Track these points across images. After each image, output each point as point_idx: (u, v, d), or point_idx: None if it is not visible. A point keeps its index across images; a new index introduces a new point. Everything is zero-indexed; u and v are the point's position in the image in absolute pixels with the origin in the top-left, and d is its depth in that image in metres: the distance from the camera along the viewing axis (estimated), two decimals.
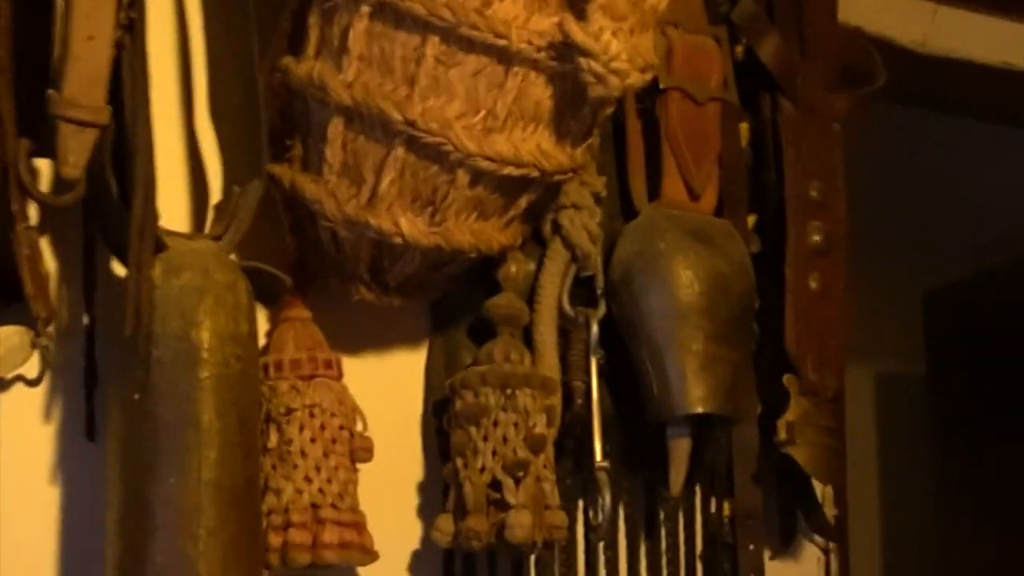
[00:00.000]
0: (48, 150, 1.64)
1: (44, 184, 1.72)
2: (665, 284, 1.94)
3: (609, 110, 1.78)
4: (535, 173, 1.73)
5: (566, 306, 1.95)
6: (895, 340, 4.19)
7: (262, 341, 1.83)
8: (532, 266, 1.96)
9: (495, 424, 1.83)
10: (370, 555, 1.81)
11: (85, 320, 1.75)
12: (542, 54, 1.66)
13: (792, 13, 2.19)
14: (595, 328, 1.95)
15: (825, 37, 2.21)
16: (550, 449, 1.86)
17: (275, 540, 1.75)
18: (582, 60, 1.64)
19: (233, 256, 1.73)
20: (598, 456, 1.92)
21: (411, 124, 1.67)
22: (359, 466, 1.84)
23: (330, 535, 1.76)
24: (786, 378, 2.06)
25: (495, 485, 1.82)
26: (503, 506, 1.81)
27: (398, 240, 1.74)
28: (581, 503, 1.99)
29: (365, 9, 1.66)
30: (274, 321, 1.85)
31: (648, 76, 1.75)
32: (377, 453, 1.86)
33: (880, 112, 2.81)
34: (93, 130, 1.62)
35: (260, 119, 1.74)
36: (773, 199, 2.14)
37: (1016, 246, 3.69)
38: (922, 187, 3.74)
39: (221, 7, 1.80)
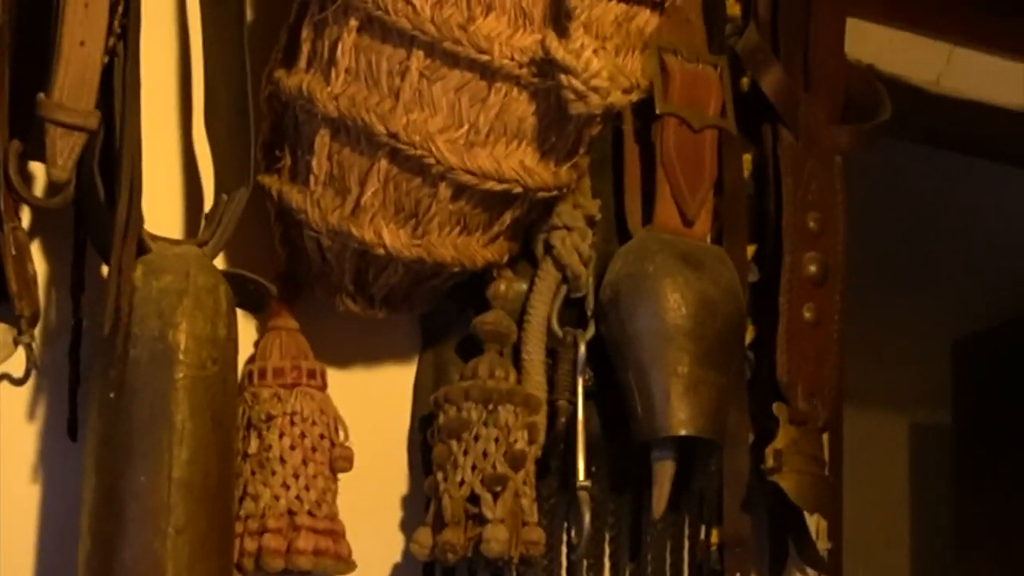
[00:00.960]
0: (41, 153, 1.67)
1: (39, 187, 1.75)
2: (652, 306, 1.94)
3: (595, 130, 1.79)
4: (518, 189, 1.74)
5: (555, 326, 1.96)
6: (927, 389, 4.17)
7: (249, 349, 1.86)
8: (523, 285, 1.97)
9: (476, 439, 1.84)
10: (346, 564, 1.82)
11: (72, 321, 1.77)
12: (524, 70, 1.67)
13: (798, 46, 2.20)
14: (583, 348, 1.95)
15: (831, 71, 2.21)
16: (531, 466, 1.87)
17: (251, 545, 1.77)
18: (562, 77, 1.66)
19: (219, 262, 1.76)
20: (581, 475, 1.93)
21: (394, 136, 1.69)
22: (344, 477, 1.86)
23: (305, 542, 1.77)
24: (775, 406, 2.06)
25: (473, 499, 1.83)
26: (481, 520, 1.82)
27: (380, 251, 1.76)
28: (566, 524, 1.99)
29: (353, 23, 1.69)
30: (262, 330, 1.87)
31: (634, 97, 1.76)
32: (362, 465, 1.88)
33: (906, 152, 2.82)
34: (81, 134, 1.66)
35: (250, 129, 1.76)
36: (772, 229, 2.14)
37: None
38: (949, 233, 3.73)
39: (216, 18, 1.82)
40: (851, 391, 3.13)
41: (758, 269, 2.15)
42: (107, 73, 1.68)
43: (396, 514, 1.96)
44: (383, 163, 1.71)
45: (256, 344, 1.87)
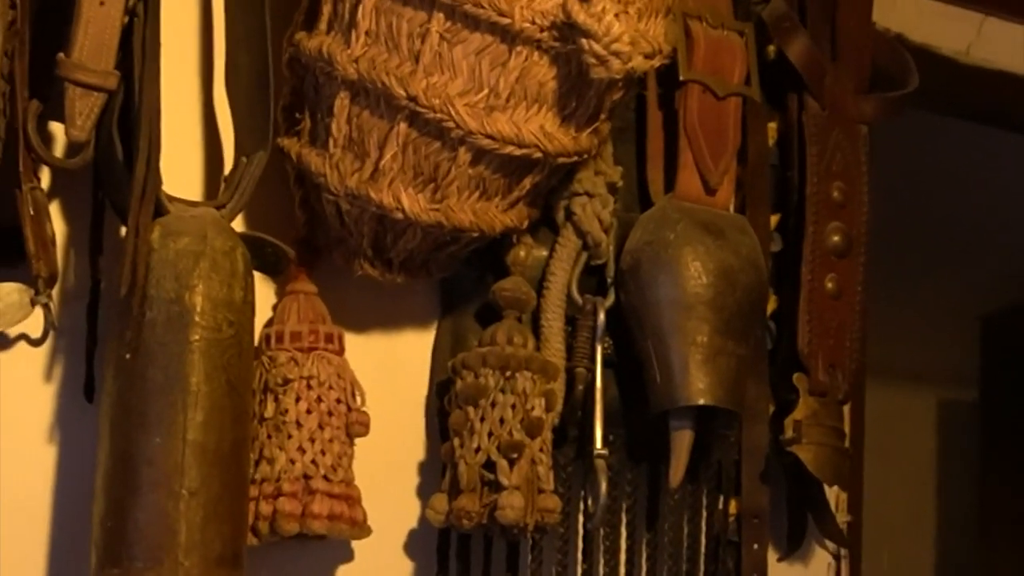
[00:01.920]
0: (60, 114, 1.67)
1: (58, 148, 1.75)
2: (672, 274, 1.93)
3: (616, 95, 1.78)
4: (537, 154, 1.73)
5: (575, 293, 1.95)
6: (954, 365, 4.16)
7: (267, 313, 1.86)
8: (543, 252, 1.96)
9: (493, 405, 1.84)
10: (361, 529, 1.82)
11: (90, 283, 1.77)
12: (545, 34, 1.66)
13: (825, 15, 2.19)
14: (602, 316, 1.95)
15: (858, 40, 2.20)
16: (547, 433, 1.86)
17: (265, 508, 1.77)
18: (583, 41, 1.64)
19: (237, 225, 1.75)
20: (598, 444, 1.92)
21: (413, 100, 1.68)
22: (360, 442, 1.85)
23: (319, 506, 1.77)
24: (796, 377, 2.06)
25: (489, 466, 1.82)
26: (496, 487, 1.82)
27: (399, 216, 1.75)
28: (583, 492, 1.98)
29: None
30: (280, 294, 1.87)
31: (656, 63, 1.75)
32: (380, 431, 1.87)
33: (935, 125, 2.79)
34: (100, 94, 1.66)
35: (269, 92, 1.76)
36: (796, 199, 2.13)
37: None
38: (978, 207, 3.70)
39: None
40: (878, 366, 3.13)
41: (781, 239, 2.14)
42: (127, 33, 1.67)
43: (412, 480, 1.96)
44: (402, 127, 1.70)
45: (274, 308, 1.86)
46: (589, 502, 1.95)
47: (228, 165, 1.85)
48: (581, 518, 1.99)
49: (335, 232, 1.82)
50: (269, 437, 1.79)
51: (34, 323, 1.73)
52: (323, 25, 1.75)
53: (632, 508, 2.03)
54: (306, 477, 1.78)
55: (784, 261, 2.13)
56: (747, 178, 2.10)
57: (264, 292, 1.85)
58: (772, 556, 2.14)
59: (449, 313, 1.98)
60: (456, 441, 1.84)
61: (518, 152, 1.72)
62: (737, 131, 2.04)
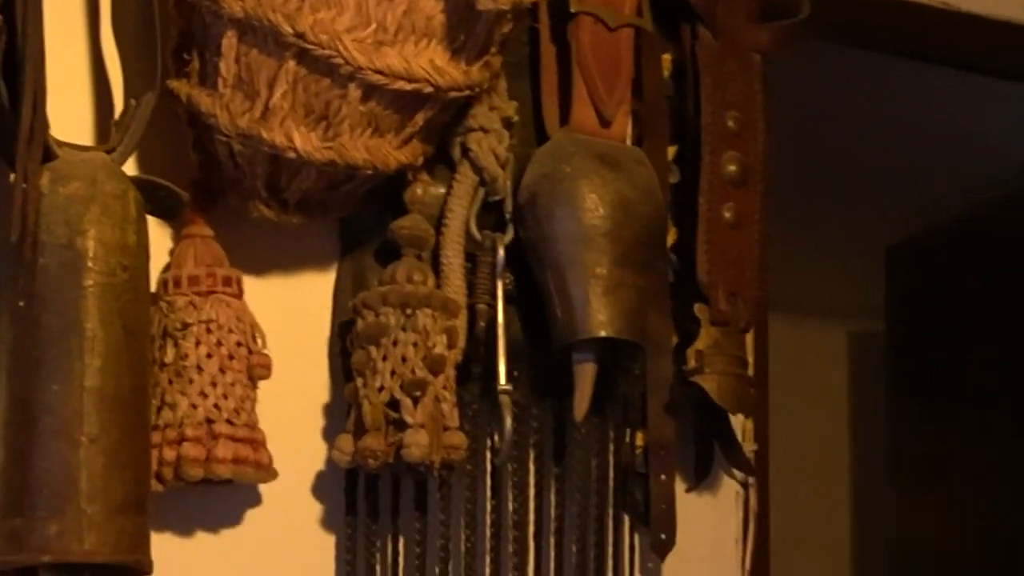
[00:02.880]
0: None
1: None
2: (570, 207, 1.93)
3: (506, 28, 1.77)
4: (428, 89, 1.72)
5: (473, 230, 1.95)
6: (862, 296, 4.19)
7: (164, 258, 1.84)
8: (440, 189, 1.95)
9: (394, 344, 1.83)
10: (267, 472, 1.81)
11: None
12: None
13: None
14: (501, 252, 1.94)
15: None
16: (450, 370, 1.86)
17: (169, 454, 1.76)
18: None
19: (130, 169, 1.73)
20: (502, 379, 1.92)
21: (301, 36, 1.67)
22: (263, 385, 1.85)
23: (223, 450, 1.76)
24: (697, 307, 2.06)
25: (393, 405, 1.82)
26: (401, 426, 1.81)
27: (292, 155, 1.74)
28: (489, 429, 1.98)
29: None
30: (176, 238, 1.85)
31: None
32: (283, 374, 1.87)
33: (839, 56, 2.80)
34: None
35: (156, 32, 1.74)
36: (692, 130, 2.13)
37: (978, 194, 3.68)
38: (882, 137, 3.72)
39: None
40: (786, 300, 3.15)
41: (678, 170, 2.14)
42: None
43: (318, 422, 1.95)
44: (291, 64, 1.69)
45: (171, 253, 1.85)
46: (495, 438, 1.95)
47: (118, 109, 1.83)
48: (488, 455, 1.99)
49: (229, 174, 1.81)
50: (170, 382, 1.78)
51: None
52: None
53: (539, 443, 2.03)
54: (209, 421, 1.77)
55: (682, 192, 2.12)
56: (643, 110, 2.10)
57: (161, 237, 1.83)
58: (680, 487, 2.14)
59: (349, 253, 1.96)
60: (359, 381, 1.84)
61: (408, 87, 1.72)
62: (630, 63, 2.03)
